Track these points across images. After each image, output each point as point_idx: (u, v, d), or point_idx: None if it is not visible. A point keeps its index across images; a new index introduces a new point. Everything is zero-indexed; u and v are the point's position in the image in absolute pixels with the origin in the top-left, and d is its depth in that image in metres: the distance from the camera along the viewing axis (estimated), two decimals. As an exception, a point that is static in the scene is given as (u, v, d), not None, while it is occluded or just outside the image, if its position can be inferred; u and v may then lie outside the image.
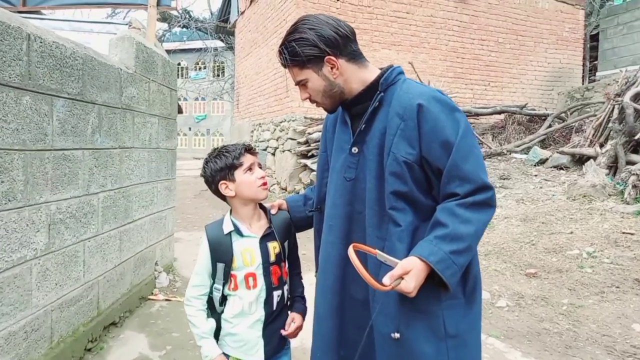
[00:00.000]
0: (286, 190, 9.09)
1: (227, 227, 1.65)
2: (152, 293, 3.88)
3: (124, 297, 3.38)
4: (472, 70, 10.53)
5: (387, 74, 1.39)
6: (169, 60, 4.25)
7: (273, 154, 10.16)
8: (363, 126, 1.39)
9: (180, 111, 10.91)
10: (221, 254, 1.62)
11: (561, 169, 7.19)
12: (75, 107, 2.67)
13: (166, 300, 3.83)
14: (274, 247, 1.68)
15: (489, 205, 1.28)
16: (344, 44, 1.35)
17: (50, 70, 2.42)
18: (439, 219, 1.26)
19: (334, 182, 1.49)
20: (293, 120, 9.05)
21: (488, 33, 10.65)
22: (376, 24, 9.55)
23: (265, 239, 1.67)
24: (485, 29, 10.62)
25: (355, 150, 1.42)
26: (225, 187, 1.63)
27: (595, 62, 13.28)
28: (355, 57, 1.39)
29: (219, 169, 1.62)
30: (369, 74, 1.41)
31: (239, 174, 1.62)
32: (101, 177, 3.00)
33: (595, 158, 6.48)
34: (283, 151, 9.41)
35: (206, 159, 1.68)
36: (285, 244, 1.75)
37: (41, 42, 2.34)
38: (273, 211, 1.76)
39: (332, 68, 1.36)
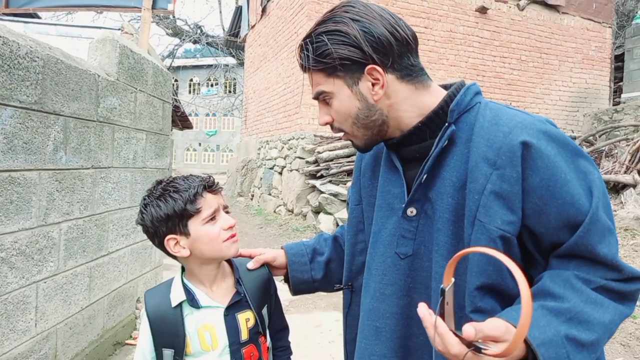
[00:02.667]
0: (292, 212, 8.55)
1: (177, 297, 1.12)
2: (130, 336, 3.33)
3: (93, 346, 2.84)
4: (493, 88, 9.99)
5: (459, 95, 0.87)
6: (162, 69, 3.77)
7: (280, 173, 9.65)
8: (425, 177, 0.87)
9: (190, 126, 10.61)
10: (167, 336, 1.10)
11: (594, 196, 6.58)
12: (30, 119, 2.17)
13: (147, 345, 3.27)
14: (245, 319, 1.16)
15: (633, 299, 0.78)
16: (399, 52, 0.87)
17: (-7, 71, 1.92)
18: (547, 288, 0.78)
19: (378, 258, 0.96)
20: (302, 138, 8.57)
21: (510, 50, 10.15)
22: (392, 39, 9.10)
23: (232, 308, 1.15)
24: (508, 45, 10.12)
25: (412, 212, 0.91)
26: (176, 244, 1.10)
27: (620, 84, 12.72)
28: (413, 74, 0.90)
29: (164, 217, 1.09)
30: (430, 97, 0.90)
31: (195, 225, 1.09)
32: (65, 204, 2.48)
33: (634, 186, 5.87)
34: (291, 170, 8.90)
35: (144, 200, 1.14)
36: (264, 309, 1.22)
37: (-21, 35, 1.84)
38: (250, 266, 1.21)
39: (374, 85, 0.87)
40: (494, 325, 0.69)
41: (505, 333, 0.68)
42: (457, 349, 0.67)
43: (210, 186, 1.13)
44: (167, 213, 1.08)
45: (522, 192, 0.79)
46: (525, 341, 0.70)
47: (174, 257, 1.14)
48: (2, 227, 2.02)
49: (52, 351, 2.43)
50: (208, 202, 1.10)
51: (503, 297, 0.79)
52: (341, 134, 0.97)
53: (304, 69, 0.93)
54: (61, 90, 2.40)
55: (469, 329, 0.66)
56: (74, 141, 2.53)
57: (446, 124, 0.87)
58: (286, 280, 1.26)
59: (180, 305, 1.12)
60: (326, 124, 0.95)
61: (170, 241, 1.10)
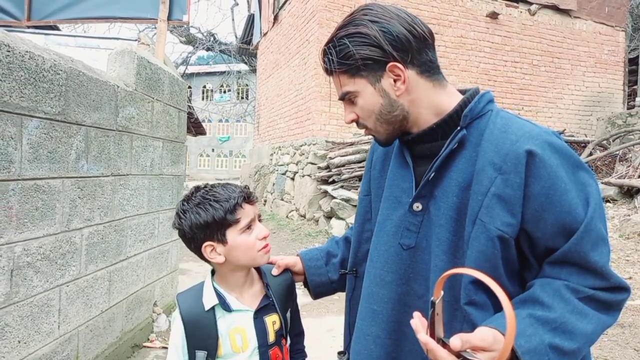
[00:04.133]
0: (305, 217, 8.61)
1: (209, 300, 1.17)
2: (147, 339, 3.41)
3: (112, 348, 2.92)
4: (504, 93, 9.98)
5: (473, 102, 0.93)
6: (177, 79, 3.87)
7: (292, 179, 9.73)
8: (432, 174, 0.93)
9: (203, 133, 10.74)
10: (201, 338, 1.15)
11: (607, 201, 6.53)
12: (54, 129, 2.27)
13: (163, 347, 3.35)
14: (272, 322, 1.21)
15: (617, 308, 0.85)
16: (418, 48, 0.92)
17: (21, 85, 2.03)
18: (537, 296, 0.83)
19: (382, 246, 1.02)
20: (314, 144, 8.64)
21: (522, 55, 10.12)
22: (403, 45, 9.14)
23: (261, 312, 1.20)
24: (519, 50, 10.10)
25: (418, 207, 0.97)
26: (212, 250, 1.15)
27: (634, 87, 12.59)
28: (431, 70, 0.95)
29: (204, 225, 1.13)
30: (447, 98, 0.96)
31: (232, 234, 1.14)
32: (87, 210, 2.58)
33: (648, 191, 5.83)
34: (303, 176, 8.97)
35: (183, 205, 1.18)
36: (288, 313, 1.27)
37: (8, 51, 1.94)
38: (275, 272, 1.27)
39: (395, 81, 0.93)
40: (482, 336, 0.74)
41: (494, 343, 0.73)
42: None
43: (249, 197, 1.17)
44: (207, 221, 1.12)
45: (524, 198, 0.84)
46: (512, 349, 0.75)
47: (208, 262, 1.20)
48: (28, 232, 2.12)
49: (73, 353, 2.52)
50: (246, 213, 1.15)
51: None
52: (364, 130, 1.03)
53: (328, 72, 0.99)
54: (83, 101, 2.50)
55: (455, 341, 0.71)
56: (94, 150, 2.63)
57: (458, 128, 0.92)
58: (305, 285, 1.31)
59: (212, 308, 1.16)
60: (352, 121, 1.01)
61: (207, 247, 1.15)
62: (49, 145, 2.23)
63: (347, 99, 0.98)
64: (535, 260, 0.88)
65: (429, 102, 0.95)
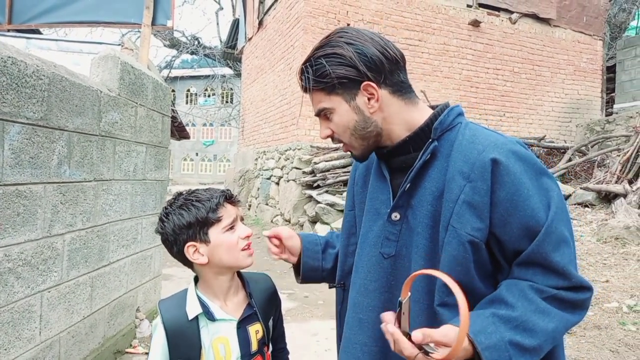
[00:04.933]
0: (290, 222, 8.62)
1: (193, 310, 1.17)
2: (130, 345, 3.39)
3: (94, 354, 2.90)
4: (486, 100, 10.15)
5: (443, 115, 0.99)
6: (161, 84, 3.87)
7: (277, 184, 9.74)
8: (408, 185, 0.98)
9: (187, 137, 10.68)
10: (184, 348, 1.14)
11: (586, 206, 6.68)
12: (36, 134, 2.26)
13: (145, 353, 3.33)
14: (255, 331, 1.22)
15: (582, 307, 0.89)
16: (390, 69, 0.99)
17: (3, 90, 2.02)
18: (502, 296, 0.88)
19: (365, 257, 1.07)
20: (299, 149, 8.67)
21: (503, 62, 10.31)
22: (387, 52, 9.24)
23: (244, 322, 1.21)
24: (500, 58, 10.28)
25: (396, 216, 1.02)
26: (195, 251, 1.16)
27: (612, 94, 12.90)
28: (403, 89, 1.01)
29: (186, 225, 1.15)
30: (418, 113, 1.02)
31: (215, 233, 1.16)
32: (69, 215, 2.57)
33: (625, 196, 5.98)
34: (288, 181, 8.99)
35: (166, 209, 1.20)
36: (270, 322, 1.29)
37: (-10, 56, 1.94)
38: (266, 233, 1.27)
39: (369, 99, 0.98)
40: (444, 332, 0.79)
41: (454, 340, 0.78)
42: (409, 351, 0.78)
43: (230, 197, 1.20)
44: (190, 221, 1.14)
45: (491, 204, 0.89)
46: (473, 346, 0.80)
47: (190, 267, 1.21)
48: (10, 238, 2.10)
49: (55, 359, 2.50)
50: (228, 212, 1.17)
51: (468, 295, 0.88)
52: (340, 145, 1.08)
53: (305, 89, 1.04)
54: (65, 106, 2.49)
55: (417, 335, 0.77)
56: (77, 155, 2.62)
57: (430, 140, 0.98)
58: (295, 268, 1.32)
59: (196, 317, 1.16)
60: (327, 137, 1.06)
61: (190, 248, 1.16)
62: (31, 150, 2.22)
63: (323, 115, 1.03)
64: (505, 262, 0.92)
65: (401, 118, 1.01)
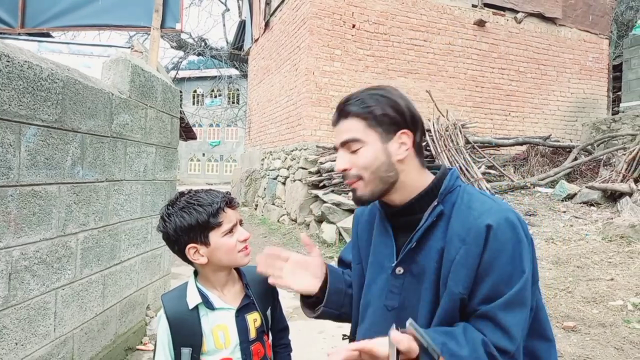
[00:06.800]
0: (296, 221, 8.68)
1: (193, 300, 1.25)
2: (141, 342, 3.46)
3: (106, 350, 2.97)
4: (491, 99, 10.16)
5: (447, 180, 1.08)
6: (170, 86, 3.94)
7: (283, 184, 9.80)
8: (414, 244, 1.05)
9: (194, 137, 10.77)
10: (186, 335, 1.22)
11: (592, 205, 6.69)
12: (51, 136, 2.33)
13: (156, 351, 3.40)
14: (253, 319, 1.30)
15: None
16: (422, 132, 1.11)
17: (20, 93, 2.09)
18: (456, 335, 0.97)
19: (370, 308, 1.14)
20: (305, 149, 8.73)
21: (508, 62, 10.31)
22: (392, 52, 9.28)
23: (242, 310, 1.29)
24: (506, 57, 10.29)
25: (400, 270, 1.09)
26: (195, 252, 1.24)
27: (618, 93, 12.85)
28: (421, 153, 1.12)
29: (188, 227, 1.22)
30: (426, 176, 1.12)
31: (215, 236, 1.23)
32: (82, 215, 2.64)
33: (630, 195, 5.99)
34: (294, 181, 9.05)
35: (167, 209, 1.25)
36: (268, 311, 1.36)
37: (8, 61, 2.01)
38: (305, 240, 1.27)
39: (401, 146, 1.05)
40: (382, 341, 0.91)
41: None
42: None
43: (230, 202, 1.26)
44: (191, 224, 1.21)
45: (479, 264, 0.98)
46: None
47: (190, 263, 1.28)
48: (26, 237, 2.18)
49: (69, 355, 2.57)
50: (228, 217, 1.24)
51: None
52: (349, 182, 1.09)
53: (344, 114, 1.07)
54: (79, 108, 2.57)
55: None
56: (90, 156, 2.69)
57: (435, 203, 1.05)
58: (306, 298, 1.27)
59: (196, 307, 1.24)
60: (344, 170, 1.09)
61: (191, 249, 1.24)
62: (46, 151, 2.29)
63: (349, 144, 1.06)
64: (469, 307, 1.01)
65: (413, 177, 1.09)
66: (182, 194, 1.28)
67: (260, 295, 1.33)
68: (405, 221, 1.10)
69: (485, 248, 0.98)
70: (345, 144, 1.07)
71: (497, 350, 0.95)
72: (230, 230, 1.24)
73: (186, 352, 1.22)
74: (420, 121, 1.08)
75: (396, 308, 1.09)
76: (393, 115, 1.04)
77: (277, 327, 1.42)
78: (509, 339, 0.96)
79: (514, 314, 0.97)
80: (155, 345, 1.28)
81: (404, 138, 1.05)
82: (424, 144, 1.13)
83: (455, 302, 0.99)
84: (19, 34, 4.34)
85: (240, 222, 1.30)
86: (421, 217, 1.05)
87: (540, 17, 10.62)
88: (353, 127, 1.05)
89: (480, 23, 9.94)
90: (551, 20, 10.73)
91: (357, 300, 1.22)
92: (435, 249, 1.04)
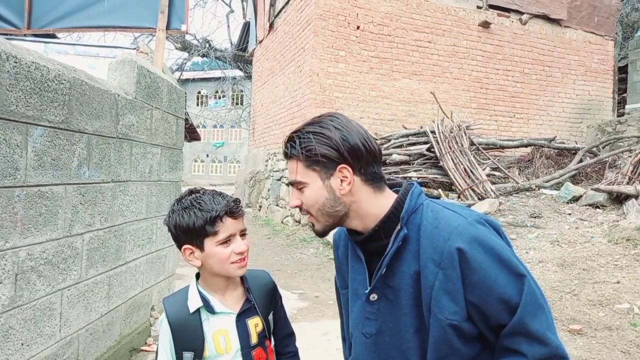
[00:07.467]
0: (300, 222, 8.68)
1: (194, 303, 1.24)
2: (145, 343, 3.46)
3: (111, 351, 2.97)
4: (496, 101, 10.13)
5: (407, 201, 1.07)
6: (176, 87, 3.95)
7: (287, 185, 9.80)
8: (384, 270, 1.05)
9: (198, 138, 10.79)
10: (188, 340, 1.22)
11: (597, 207, 6.65)
12: (57, 137, 2.33)
13: (161, 352, 3.39)
14: (255, 324, 1.28)
15: None
16: (367, 161, 1.07)
17: (27, 94, 2.10)
18: None
19: (353, 336, 1.16)
20: (309, 151, 8.71)
21: (513, 63, 10.29)
22: (397, 53, 9.27)
23: (243, 315, 1.27)
24: (510, 59, 10.26)
25: (374, 297, 1.09)
26: (191, 254, 1.24)
27: (624, 95, 12.79)
28: (374, 180, 1.09)
29: (185, 228, 1.21)
30: (384, 199, 1.10)
31: (210, 244, 1.21)
32: (88, 216, 2.64)
33: (636, 197, 5.96)
34: (298, 182, 9.04)
35: (174, 205, 1.26)
36: (270, 316, 1.35)
37: (15, 62, 2.02)
38: None
39: (342, 181, 1.05)
40: None
41: None
42: None
43: (232, 212, 1.23)
44: (188, 225, 1.20)
45: (465, 287, 0.98)
46: None
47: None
48: (32, 237, 2.18)
49: (74, 356, 2.57)
50: (226, 227, 1.21)
51: (452, 356, 1.01)
52: (306, 215, 1.14)
53: (286, 155, 1.10)
54: (85, 109, 2.57)
55: None
56: (96, 157, 2.70)
57: (398, 228, 1.04)
58: None
59: (197, 311, 1.23)
60: (296, 206, 1.12)
61: (186, 250, 1.24)
62: (52, 152, 2.30)
63: (296, 186, 1.10)
64: (490, 332, 1.01)
65: (367, 205, 1.08)
66: (191, 192, 1.27)
67: (262, 299, 1.32)
68: (375, 246, 1.09)
69: (465, 271, 0.98)
70: (292, 184, 1.10)
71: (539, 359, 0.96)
72: (227, 241, 1.22)
73: (188, 356, 1.21)
74: (362, 149, 1.05)
75: (374, 334, 1.09)
76: (326, 153, 1.03)
77: (281, 333, 1.40)
78: (545, 345, 0.96)
79: (538, 320, 0.97)
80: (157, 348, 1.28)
81: (345, 172, 1.05)
82: (377, 169, 1.10)
83: (445, 329, 0.99)
84: (25, 35, 4.36)
85: (243, 233, 1.27)
86: (388, 242, 1.05)
87: (545, 18, 10.59)
88: (293, 169, 1.08)
89: (485, 24, 9.93)
90: (556, 21, 10.70)
91: (346, 326, 1.24)
92: (408, 274, 1.04)
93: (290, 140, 1.08)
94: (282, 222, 9.64)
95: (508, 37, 10.25)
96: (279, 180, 10.32)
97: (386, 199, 1.10)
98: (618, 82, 12.32)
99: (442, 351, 1.00)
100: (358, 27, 9.00)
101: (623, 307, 3.89)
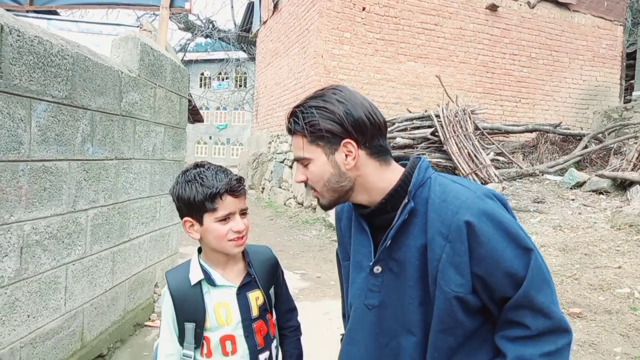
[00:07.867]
0: (302, 204, 8.70)
1: (195, 276, 1.26)
2: (149, 319, 3.51)
3: (115, 326, 3.02)
4: (502, 85, 10.04)
5: (415, 175, 1.05)
6: (179, 65, 3.93)
7: (290, 167, 9.81)
8: (389, 242, 1.05)
9: (201, 120, 10.76)
10: (190, 311, 1.24)
11: (601, 193, 6.64)
12: (61, 112, 2.33)
13: (164, 328, 3.44)
14: (255, 297, 1.30)
15: (567, 354, 1.00)
16: (372, 134, 1.05)
17: (30, 69, 2.09)
18: None
19: (353, 307, 1.15)
20: (313, 133, 8.69)
21: (520, 48, 10.17)
22: (402, 36, 9.17)
23: (244, 288, 1.29)
24: (517, 43, 10.14)
25: (378, 269, 1.09)
26: (190, 226, 1.25)
27: (631, 81, 12.66)
28: (380, 153, 1.08)
29: (186, 201, 1.23)
30: (391, 173, 1.08)
31: (208, 219, 1.22)
32: (92, 192, 2.65)
33: (640, 183, 5.93)
34: (301, 164, 9.04)
35: (179, 177, 1.27)
36: (271, 290, 1.36)
37: (19, 36, 2.00)
38: None
39: (347, 156, 1.04)
40: None
41: None
42: None
43: (233, 189, 1.23)
44: (189, 198, 1.22)
45: (471, 260, 0.98)
46: None
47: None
48: (37, 212, 2.20)
49: (79, 329, 2.61)
50: (226, 204, 1.22)
51: (455, 328, 1.02)
52: (311, 191, 1.13)
53: (290, 131, 1.09)
54: (88, 85, 2.56)
55: None
56: (99, 134, 2.70)
57: (406, 201, 1.04)
58: None
59: (199, 283, 1.26)
60: (301, 181, 1.10)
61: (187, 222, 1.25)
62: (56, 128, 2.30)
63: (301, 162, 1.09)
64: (492, 304, 1.02)
65: (373, 179, 1.07)
66: (196, 165, 1.28)
67: (263, 273, 1.34)
68: (381, 220, 1.09)
69: (473, 244, 0.97)
70: (297, 160, 1.09)
71: (543, 332, 0.97)
72: (225, 218, 1.22)
73: (190, 327, 1.23)
74: (367, 122, 1.03)
75: (377, 306, 1.09)
76: (330, 128, 1.02)
77: (283, 307, 1.42)
78: (549, 318, 0.98)
79: (544, 293, 0.98)
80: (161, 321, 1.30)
81: (349, 147, 1.03)
82: (382, 142, 1.08)
83: (450, 301, 0.99)
84: (27, 11, 4.33)
85: (243, 212, 1.27)
86: (394, 215, 1.05)
87: (554, 2, 10.43)
88: (298, 145, 1.07)
89: (493, 7, 9.79)
90: (565, 5, 10.54)
91: (346, 298, 1.25)
92: (414, 247, 1.04)
93: (293, 115, 1.06)
94: (284, 204, 9.67)
95: (516, 21, 10.11)
96: (281, 162, 10.32)
97: (393, 173, 1.08)
98: (626, 69, 12.18)
99: (446, 323, 1.01)
100: (364, 9, 8.89)
101: (624, 291, 3.91)
